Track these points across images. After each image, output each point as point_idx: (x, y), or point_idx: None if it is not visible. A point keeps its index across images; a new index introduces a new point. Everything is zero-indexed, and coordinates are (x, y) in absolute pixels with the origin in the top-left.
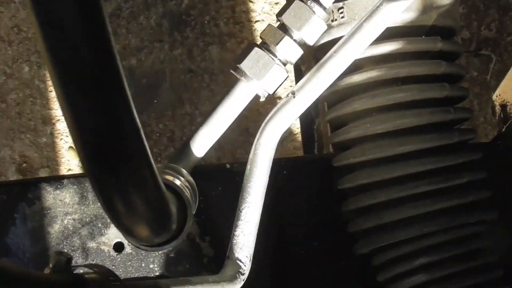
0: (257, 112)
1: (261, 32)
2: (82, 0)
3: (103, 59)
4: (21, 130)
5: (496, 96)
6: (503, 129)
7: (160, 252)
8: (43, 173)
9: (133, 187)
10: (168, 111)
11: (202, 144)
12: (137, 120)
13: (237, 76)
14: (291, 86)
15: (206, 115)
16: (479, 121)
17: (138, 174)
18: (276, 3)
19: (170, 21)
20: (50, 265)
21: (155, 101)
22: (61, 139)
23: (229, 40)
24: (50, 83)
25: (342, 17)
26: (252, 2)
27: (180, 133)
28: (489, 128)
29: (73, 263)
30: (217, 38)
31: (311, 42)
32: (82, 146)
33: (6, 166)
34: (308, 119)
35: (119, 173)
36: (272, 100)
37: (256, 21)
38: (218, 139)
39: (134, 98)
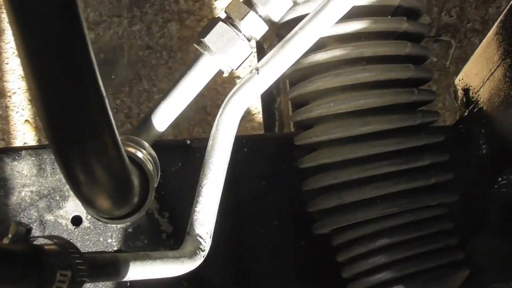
0: (215, 91)
1: (226, 7)
2: None
3: (68, 23)
4: None
5: (459, 80)
6: (465, 113)
7: (118, 227)
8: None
9: (95, 156)
10: (126, 87)
11: (163, 117)
12: (102, 89)
13: (201, 50)
14: (250, 66)
15: (168, 89)
16: (437, 106)
17: (101, 143)
18: None
19: None
20: (9, 235)
21: (113, 76)
22: (16, 112)
23: (188, 18)
24: (5, 55)
25: None
26: None
27: (137, 109)
28: (447, 114)
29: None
30: (177, 15)
31: (276, 18)
32: (45, 113)
33: None
34: (269, 97)
35: (82, 141)
36: (231, 79)
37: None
38: (187, 109)
39: None
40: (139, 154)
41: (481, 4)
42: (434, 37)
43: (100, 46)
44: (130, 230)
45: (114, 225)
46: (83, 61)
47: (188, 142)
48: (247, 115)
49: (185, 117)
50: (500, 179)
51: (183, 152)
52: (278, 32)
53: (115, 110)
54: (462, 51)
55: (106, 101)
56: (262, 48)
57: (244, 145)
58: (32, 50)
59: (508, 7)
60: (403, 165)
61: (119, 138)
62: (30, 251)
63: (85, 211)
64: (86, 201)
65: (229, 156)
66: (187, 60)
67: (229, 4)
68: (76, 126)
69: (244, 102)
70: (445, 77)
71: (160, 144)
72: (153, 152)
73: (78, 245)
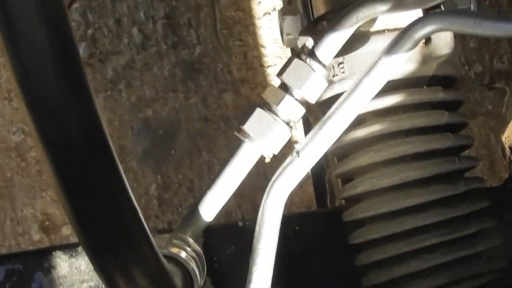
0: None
1: (263, 92)
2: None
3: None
4: (42, 187)
5: (505, 138)
6: None
7: None
8: (66, 230)
9: (133, 265)
10: (186, 160)
11: (209, 209)
12: (133, 199)
13: (241, 138)
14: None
15: (212, 178)
16: (497, 155)
17: (138, 253)
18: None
19: (183, 70)
20: None
21: (173, 151)
22: None
23: (243, 86)
24: None
25: (343, 72)
26: (263, 47)
27: (199, 182)
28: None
29: None
30: (231, 85)
31: (312, 99)
32: (81, 229)
33: (29, 225)
34: (319, 170)
35: (119, 253)
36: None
37: (269, 66)
38: (234, 194)
39: (151, 149)
40: (183, 254)
41: None
42: (488, 85)
43: (158, 122)
44: None
45: None
46: (114, 180)
47: (240, 224)
48: (298, 189)
49: (246, 185)
50: None
51: (236, 235)
52: (320, 108)
53: (177, 185)
54: None
55: (138, 209)
56: (309, 123)
57: (294, 222)
58: (65, 181)
59: None
60: (449, 236)
61: (155, 243)
62: None
63: None
64: None
65: (277, 239)
66: None
67: (266, 89)
68: (112, 240)
69: (287, 186)
70: (502, 124)
71: (213, 228)
72: (197, 248)
73: None
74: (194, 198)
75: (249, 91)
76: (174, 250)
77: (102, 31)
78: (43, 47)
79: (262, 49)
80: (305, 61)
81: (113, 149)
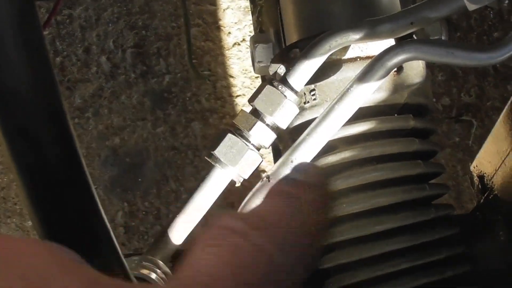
0: (242, 186)
1: (234, 118)
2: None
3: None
4: (7, 214)
5: (474, 167)
6: (482, 200)
7: None
8: None
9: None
10: (153, 189)
11: (178, 234)
12: (107, 223)
13: (212, 163)
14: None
15: (182, 203)
16: (464, 186)
17: (110, 274)
18: (257, 77)
19: (151, 99)
20: None
21: (140, 179)
22: None
23: (211, 116)
24: None
25: (314, 99)
26: (232, 77)
27: (166, 210)
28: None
29: None
30: (199, 114)
31: (284, 126)
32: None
33: None
34: None
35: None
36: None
37: (237, 96)
38: (204, 216)
39: (119, 177)
40: (153, 276)
41: (500, 82)
42: (455, 118)
43: (126, 150)
44: None
45: None
46: (90, 202)
47: None
48: None
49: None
50: None
51: None
52: (291, 135)
53: (144, 213)
54: (484, 130)
55: (111, 232)
56: (278, 150)
57: None
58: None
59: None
60: (420, 261)
61: (126, 265)
62: None
63: None
64: None
65: None
66: None
67: (237, 115)
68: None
69: None
70: (469, 157)
71: (182, 252)
72: (167, 270)
73: None
74: (160, 226)
75: (217, 121)
76: (145, 271)
77: (70, 59)
78: (20, 71)
79: (231, 79)
80: (277, 88)
81: (88, 175)
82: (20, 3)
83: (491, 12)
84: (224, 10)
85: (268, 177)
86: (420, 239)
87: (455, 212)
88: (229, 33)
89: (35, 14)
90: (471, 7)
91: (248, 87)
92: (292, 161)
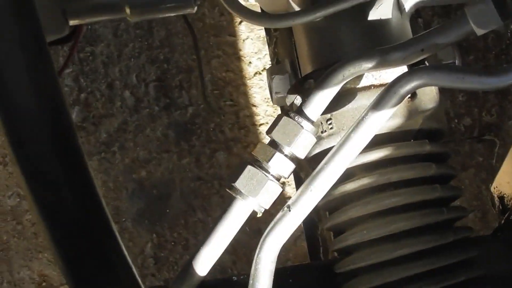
0: (268, 213)
1: (253, 150)
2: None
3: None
4: (38, 249)
5: (494, 188)
6: (503, 221)
7: None
8: None
9: None
10: (181, 219)
11: (203, 265)
12: (130, 262)
13: (233, 194)
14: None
15: (205, 235)
16: (488, 205)
17: None
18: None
19: (175, 131)
20: None
21: (168, 210)
22: None
23: (235, 145)
24: None
25: (331, 128)
26: (255, 106)
27: (194, 240)
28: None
29: None
30: (223, 144)
31: (302, 155)
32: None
33: (26, 287)
34: (311, 224)
35: None
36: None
37: (261, 124)
38: (231, 243)
39: (146, 209)
40: None
41: None
42: (477, 138)
43: (152, 183)
44: None
45: None
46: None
47: (235, 278)
48: (293, 244)
49: (241, 242)
50: None
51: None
52: (310, 163)
53: (172, 243)
54: (507, 148)
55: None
56: (300, 178)
57: (288, 276)
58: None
59: None
60: (439, 284)
61: None
62: None
63: None
64: None
65: (272, 278)
66: None
67: (255, 147)
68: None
69: (279, 240)
70: (492, 176)
71: (207, 283)
72: None
73: None
74: (189, 256)
75: (241, 150)
76: None
77: (94, 95)
78: (37, 119)
79: (254, 108)
80: (294, 119)
81: (109, 216)
82: (32, 48)
83: (509, 32)
84: (243, 40)
85: (288, 206)
86: (439, 263)
87: (475, 233)
88: (250, 62)
89: (49, 59)
90: (479, 32)
91: (271, 115)
92: (311, 190)
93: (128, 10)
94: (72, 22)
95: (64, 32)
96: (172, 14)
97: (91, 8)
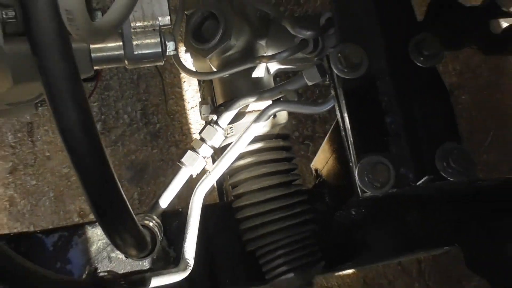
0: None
1: (192, 143)
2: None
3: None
4: (79, 194)
5: (312, 166)
6: (316, 182)
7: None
8: (91, 217)
9: (124, 230)
10: (152, 181)
11: (163, 202)
12: (126, 201)
13: (180, 165)
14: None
15: (164, 186)
16: (306, 175)
17: (127, 225)
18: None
19: (151, 135)
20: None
21: (145, 176)
22: None
23: (181, 143)
24: None
25: (232, 132)
26: (191, 123)
27: (159, 191)
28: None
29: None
30: (175, 143)
31: (216, 146)
32: (93, 209)
33: (72, 214)
34: (220, 183)
35: (117, 225)
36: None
37: (194, 132)
38: (176, 195)
39: (134, 176)
40: (150, 224)
41: (322, 123)
42: (302, 142)
43: (138, 162)
44: (154, 257)
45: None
46: (114, 188)
47: (180, 209)
48: (209, 194)
49: (183, 192)
50: (337, 213)
51: (177, 215)
52: (220, 151)
53: (147, 193)
54: (316, 148)
55: (128, 204)
56: (214, 158)
57: (207, 209)
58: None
59: (332, 126)
60: (288, 213)
61: (136, 219)
62: (96, 281)
63: None
64: (123, 253)
65: (199, 217)
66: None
67: (193, 141)
68: (112, 218)
69: (204, 190)
70: (308, 161)
71: (166, 212)
72: (159, 221)
73: (129, 267)
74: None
75: (184, 146)
76: (146, 222)
77: (108, 116)
78: (77, 126)
79: (190, 124)
80: (213, 126)
81: (117, 181)
82: (74, 80)
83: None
84: (186, 90)
85: (209, 172)
86: (287, 202)
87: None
88: (189, 102)
89: (83, 88)
90: (309, 83)
91: (200, 126)
92: (221, 164)
93: (126, 62)
94: (95, 67)
95: (91, 73)
96: (148, 65)
97: (106, 59)
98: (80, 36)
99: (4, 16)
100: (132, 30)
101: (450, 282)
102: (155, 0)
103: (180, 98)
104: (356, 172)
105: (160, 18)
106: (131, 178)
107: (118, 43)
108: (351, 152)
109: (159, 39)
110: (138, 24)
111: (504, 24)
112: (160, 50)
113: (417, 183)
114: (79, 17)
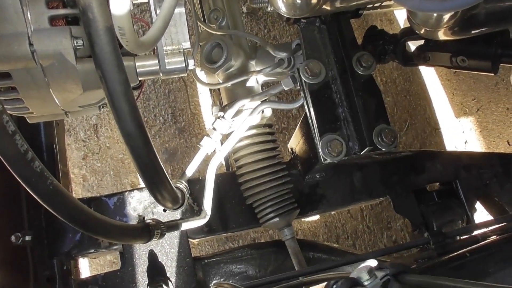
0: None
1: (206, 132)
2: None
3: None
4: (131, 172)
5: (288, 146)
6: (291, 157)
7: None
8: (142, 185)
9: (164, 190)
10: (180, 161)
11: (189, 172)
12: (163, 168)
13: (199, 147)
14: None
15: (188, 164)
16: (286, 152)
17: (165, 186)
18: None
19: (178, 130)
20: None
21: (175, 157)
22: None
23: (200, 134)
24: None
25: (234, 123)
26: (206, 120)
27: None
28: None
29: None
30: (195, 134)
31: (224, 133)
32: (142, 177)
33: (125, 185)
34: (227, 158)
35: (158, 187)
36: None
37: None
38: (197, 168)
39: (168, 158)
40: (181, 186)
41: (294, 119)
42: (281, 132)
43: (169, 149)
44: (183, 210)
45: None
46: (156, 160)
47: (200, 177)
48: (220, 168)
49: (202, 167)
50: (306, 177)
51: (199, 181)
52: (226, 136)
53: (177, 168)
54: (290, 135)
55: (166, 172)
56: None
57: (218, 177)
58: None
59: (300, 120)
60: (275, 176)
61: (171, 182)
62: (145, 225)
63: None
64: (163, 206)
65: (213, 181)
66: None
67: (207, 130)
68: (154, 181)
69: (215, 163)
70: (284, 144)
71: (191, 179)
72: (186, 185)
73: (166, 218)
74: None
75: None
76: (178, 184)
77: (149, 118)
78: (131, 120)
79: (206, 120)
80: (221, 120)
81: (160, 161)
82: (125, 87)
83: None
84: (202, 100)
85: (219, 150)
86: (274, 169)
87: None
88: (204, 107)
89: (132, 93)
90: (286, 88)
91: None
92: (227, 144)
93: (161, 74)
94: (140, 78)
95: (137, 82)
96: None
97: (147, 72)
98: (129, 47)
99: (75, 44)
100: (164, 52)
101: (383, 223)
102: (180, 31)
103: (198, 104)
104: (320, 146)
105: (183, 43)
106: (165, 159)
107: (155, 61)
108: (315, 132)
109: (183, 58)
110: (168, 47)
111: (417, 44)
112: (184, 65)
113: (361, 153)
114: (128, 32)
